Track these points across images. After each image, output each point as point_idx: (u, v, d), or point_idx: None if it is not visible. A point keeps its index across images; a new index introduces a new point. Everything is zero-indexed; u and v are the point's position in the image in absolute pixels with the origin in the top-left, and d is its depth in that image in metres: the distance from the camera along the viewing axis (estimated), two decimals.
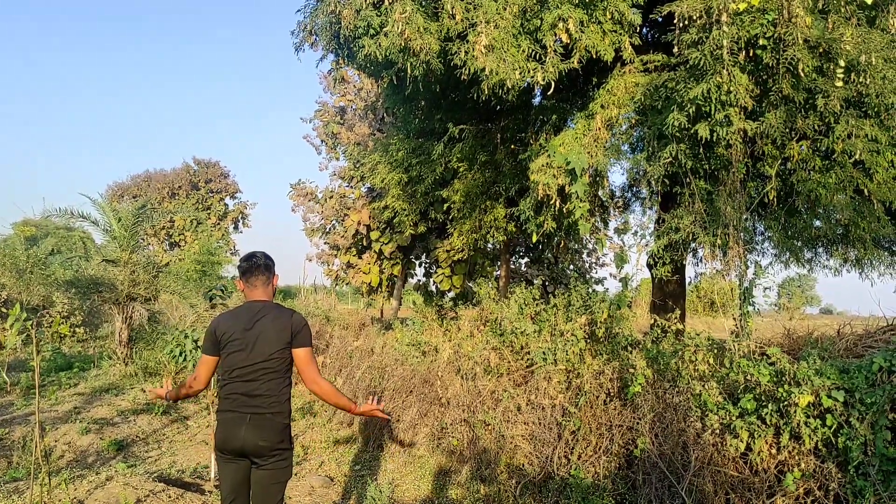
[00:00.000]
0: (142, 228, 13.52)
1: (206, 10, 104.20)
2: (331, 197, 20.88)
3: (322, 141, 22.78)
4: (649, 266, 8.33)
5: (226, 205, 50.40)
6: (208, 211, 48.00)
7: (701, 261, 9.23)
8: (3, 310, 15.55)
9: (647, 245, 8.12)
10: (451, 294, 16.44)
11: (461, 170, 9.72)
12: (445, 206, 10.56)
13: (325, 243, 21.41)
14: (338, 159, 22.51)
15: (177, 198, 47.27)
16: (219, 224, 48.48)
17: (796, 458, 4.46)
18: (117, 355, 12.07)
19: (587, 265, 22.81)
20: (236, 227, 51.02)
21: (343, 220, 19.71)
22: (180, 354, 10.03)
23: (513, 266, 17.91)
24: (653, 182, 6.84)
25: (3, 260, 16.78)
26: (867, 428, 4.11)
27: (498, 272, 14.05)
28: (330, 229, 21.24)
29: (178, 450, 7.70)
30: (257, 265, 3.76)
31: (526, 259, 20.77)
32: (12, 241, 19.92)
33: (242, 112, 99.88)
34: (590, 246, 21.64)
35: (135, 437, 8.13)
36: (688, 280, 9.98)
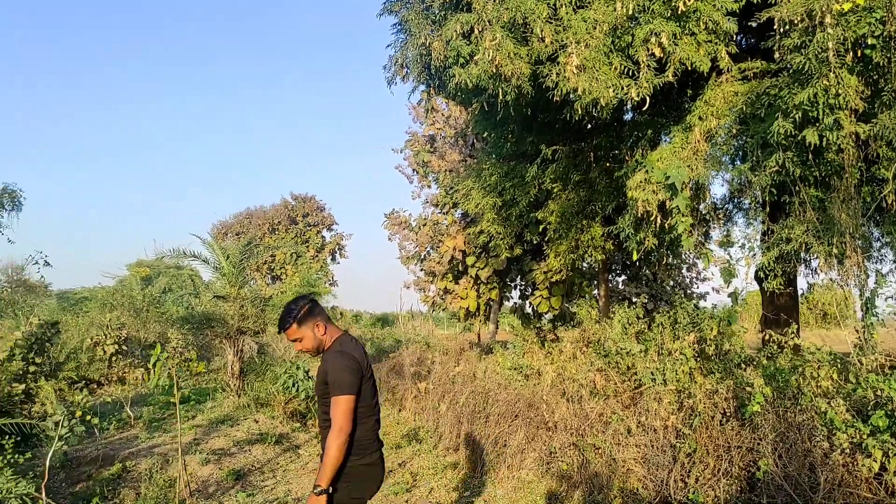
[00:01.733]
0: (247, 264, 14.08)
1: (288, 47, 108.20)
2: (424, 224, 21.18)
3: (413, 170, 23.19)
4: (759, 279, 8.03)
5: (323, 237, 51.91)
6: (307, 244, 49.54)
7: (815, 271, 8.83)
8: (124, 347, 16.54)
9: (754, 257, 7.83)
10: (549, 316, 16.29)
11: (555, 190, 9.68)
12: (541, 227, 10.52)
13: (420, 270, 21.68)
14: (429, 187, 22.85)
15: (277, 233, 49.03)
16: (317, 256, 49.91)
17: None
18: (230, 387, 12.54)
19: (687, 280, 22.15)
20: (334, 259, 52.39)
21: (437, 247, 19.94)
22: (293, 385, 10.34)
23: (610, 285, 17.62)
24: (759, 192, 6.61)
25: (122, 300, 17.78)
26: None
27: (596, 292, 13.84)
28: (425, 256, 21.52)
29: (291, 478, 7.91)
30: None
31: (623, 277, 20.38)
32: (129, 282, 21.09)
33: (336, 147, 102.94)
34: (689, 261, 21.03)
35: (251, 466, 8.41)
36: (799, 291, 9.55)
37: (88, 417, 8.80)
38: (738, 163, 7.28)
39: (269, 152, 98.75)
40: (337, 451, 3.25)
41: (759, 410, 5.30)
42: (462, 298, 17.84)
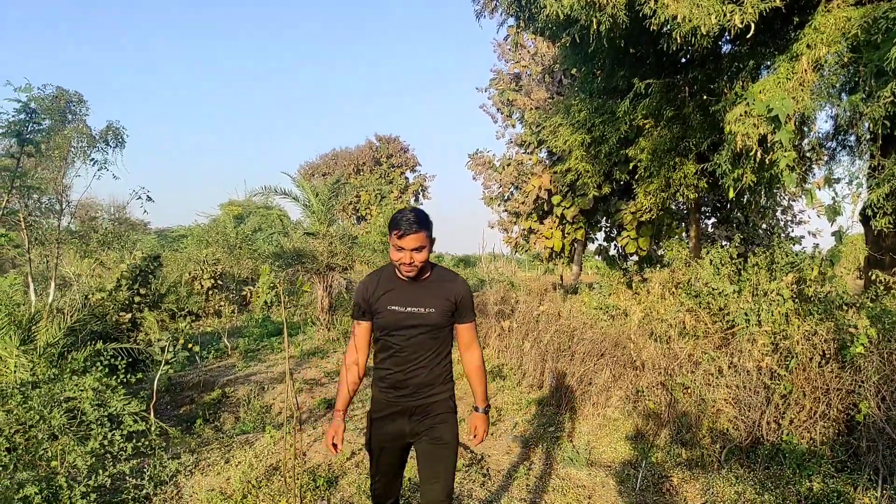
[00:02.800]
0: (335, 203, 14.34)
1: None
2: (508, 164, 20.97)
3: (498, 109, 22.86)
4: (865, 218, 7.61)
5: (406, 178, 52.27)
6: (391, 185, 50.01)
7: None
8: (220, 282, 17.25)
9: (860, 195, 7.40)
10: (635, 258, 15.98)
11: (647, 127, 9.34)
12: (631, 165, 10.22)
13: (504, 210, 21.57)
14: (514, 126, 22.52)
15: (361, 174, 49.65)
16: (401, 197, 50.37)
17: None
18: (320, 321, 12.96)
19: (782, 224, 21.27)
20: (417, 199, 52.78)
21: (521, 187, 19.74)
22: None
23: (700, 227, 17.08)
24: (869, 125, 6.19)
25: (217, 237, 18.47)
26: None
27: (686, 233, 13.45)
28: (508, 196, 21.37)
29: None
30: None
31: (713, 220, 19.73)
32: (222, 221, 21.85)
33: (420, 86, 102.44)
34: (785, 202, 20.15)
35: None
36: None
37: (190, 345, 9.29)
38: (849, 94, 6.82)
39: (356, 92, 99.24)
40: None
41: (863, 352, 5.08)
42: (547, 238, 17.67)
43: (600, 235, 19.08)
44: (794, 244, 20.49)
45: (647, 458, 5.88)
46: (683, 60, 9.73)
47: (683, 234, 13.74)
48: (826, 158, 10.53)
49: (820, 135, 9.90)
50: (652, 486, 5.35)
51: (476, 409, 3.43)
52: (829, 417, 5.27)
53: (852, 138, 9.88)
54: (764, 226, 20.60)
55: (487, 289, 13.16)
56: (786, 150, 6.15)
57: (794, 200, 19.20)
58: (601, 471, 5.76)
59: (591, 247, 20.79)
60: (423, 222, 3.03)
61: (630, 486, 5.38)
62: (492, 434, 6.92)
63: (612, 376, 7.47)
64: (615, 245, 17.87)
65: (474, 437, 3.37)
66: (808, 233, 20.87)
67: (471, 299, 3.27)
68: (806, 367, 5.55)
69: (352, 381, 3.29)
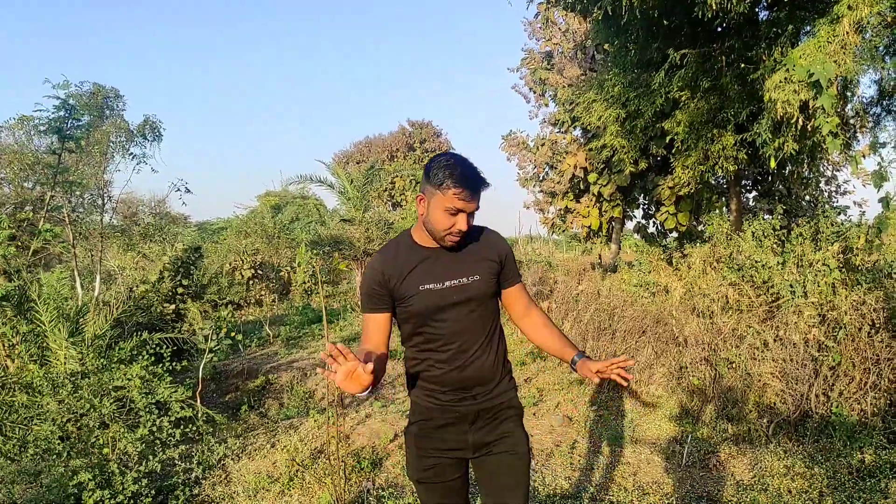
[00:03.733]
0: (370, 189, 14.41)
1: None
2: (542, 144, 20.77)
3: (530, 89, 22.63)
4: None
5: None
6: None
7: None
8: (259, 272, 17.49)
9: None
10: (675, 234, 15.74)
11: (683, 99, 9.14)
12: (667, 139, 10.03)
13: (539, 191, 21.40)
14: (546, 105, 22.28)
15: (395, 160, 49.72)
16: None
17: None
18: (359, 307, 13.06)
19: (826, 195, 20.77)
20: None
21: (556, 167, 19.56)
22: None
23: (742, 200, 16.74)
24: None
25: (255, 228, 18.71)
26: None
27: (726, 207, 13.19)
28: (543, 176, 21.19)
29: None
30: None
31: (754, 192, 19.34)
32: (260, 211, 22.09)
33: (451, 69, 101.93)
34: (829, 173, 19.67)
35: (383, 380, 8.77)
36: None
37: (233, 334, 9.44)
38: (892, 57, 6.60)
39: (386, 78, 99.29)
40: None
41: None
42: (584, 217, 17.50)
43: (638, 213, 18.83)
44: (839, 214, 20.04)
45: (693, 434, 5.81)
46: (719, 29, 9.48)
47: (724, 209, 13.47)
48: (871, 124, 10.21)
49: (864, 100, 9.58)
50: (698, 462, 5.29)
51: (576, 357, 2.54)
52: (881, 388, 5.15)
53: None
54: (807, 197, 20.15)
55: (525, 270, 13.10)
56: (828, 116, 5.97)
57: (838, 170, 18.70)
58: (646, 447, 5.71)
59: (630, 225, 20.56)
60: (483, 179, 2.36)
61: (676, 461, 5.33)
62: (534, 414, 6.91)
63: (655, 353, 7.39)
64: (654, 222, 17.62)
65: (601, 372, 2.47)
66: (854, 203, 20.38)
67: (513, 254, 2.63)
68: (855, 337, 5.42)
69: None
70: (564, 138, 19.70)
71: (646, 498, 4.70)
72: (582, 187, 17.80)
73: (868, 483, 4.54)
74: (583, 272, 12.94)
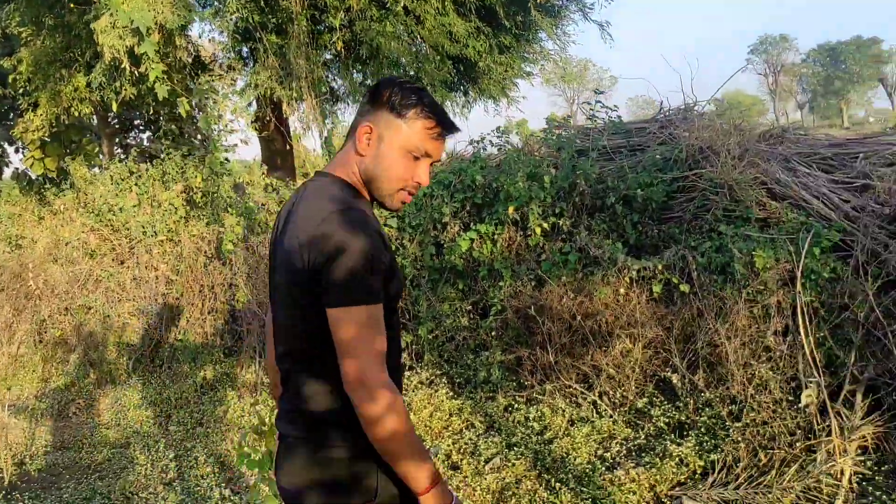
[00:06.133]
0: None
1: None
2: None
3: None
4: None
5: None
6: None
7: None
8: None
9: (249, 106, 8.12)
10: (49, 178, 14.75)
11: (25, 35, 8.48)
12: (10, 77, 9.22)
13: None
14: None
15: None
16: None
17: None
18: None
19: (216, 133, 21.98)
20: None
21: None
22: None
23: (134, 142, 16.53)
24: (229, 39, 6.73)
25: None
26: (416, 247, 4.80)
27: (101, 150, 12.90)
28: None
29: None
30: None
31: (148, 133, 19.30)
32: None
33: None
34: (218, 112, 20.80)
35: None
36: None
37: None
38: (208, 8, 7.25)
39: None
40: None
41: (232, 248, 5.70)
42: None
43: (16, 158, 17.06)
44: (227, 152, 21.53)
45: (56, 386, 5.77)
46: None
47: (100, 152, 13.12)
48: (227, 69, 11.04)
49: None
50: (57, 413, 5.29)
51: None
52: (217, 310, 5.87)
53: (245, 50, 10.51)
54: (199, 136, 21.02)
55: None
56: (154, 62, 6.29)
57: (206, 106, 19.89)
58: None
59: (7, 172, 18.51)
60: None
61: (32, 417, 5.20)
62: None
63: (15, 310, 6.96)
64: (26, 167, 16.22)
65: None
66: (241, 141, 22.05)
67: None
68: (194, 268, 6.02)
69: None
70: None
71: None
72: None
73: (209, 395, 5.21)
74: None
